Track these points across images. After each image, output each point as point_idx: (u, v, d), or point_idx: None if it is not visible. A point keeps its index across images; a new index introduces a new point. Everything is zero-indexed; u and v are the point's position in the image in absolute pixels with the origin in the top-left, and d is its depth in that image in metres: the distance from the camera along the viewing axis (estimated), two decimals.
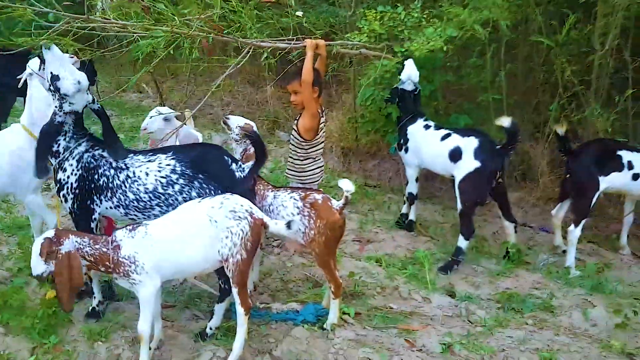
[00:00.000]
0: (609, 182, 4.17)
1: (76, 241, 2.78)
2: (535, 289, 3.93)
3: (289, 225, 2.94)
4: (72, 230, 3.11)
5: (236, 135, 3.88)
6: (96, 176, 3.21)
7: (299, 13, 4.87)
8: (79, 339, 3.21)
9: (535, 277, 4.09)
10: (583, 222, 4.18)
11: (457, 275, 4.12)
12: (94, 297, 3.41)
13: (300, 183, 4.08)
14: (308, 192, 3.32)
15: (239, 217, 2.88)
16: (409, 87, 4.59)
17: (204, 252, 2.88)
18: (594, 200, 4.18)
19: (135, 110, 8.82)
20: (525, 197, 5.35)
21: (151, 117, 4.11)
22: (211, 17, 3.99)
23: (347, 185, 3.17)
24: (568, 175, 4.33)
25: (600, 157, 4.19)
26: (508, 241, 4.37)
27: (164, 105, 6.32)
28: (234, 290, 2.95)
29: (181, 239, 2.86)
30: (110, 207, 3.25)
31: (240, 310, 2.96)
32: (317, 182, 4.16)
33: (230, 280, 2.95)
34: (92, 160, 3.23)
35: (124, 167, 3.22)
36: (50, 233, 2.76)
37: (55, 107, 3.13)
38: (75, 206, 3.21)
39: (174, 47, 3.82)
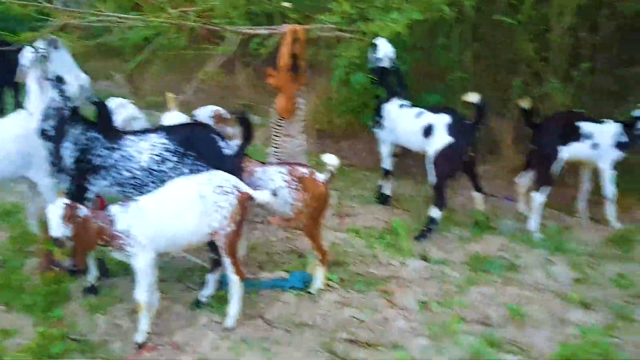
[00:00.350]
0: (570, 151, 4.51)
1: (85, 209, 2.97)
2: (502, 251, 4.26)
3: (274, 193, 3.18)
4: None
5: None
6: (91, 157, 3.39)
7: (286, 4, 5.07)
8: (79, 313, 3.40)
9: (502, 240, 4.42)
10: (546, 189, 4.52)
11: (431, 242, 4.42)
12: (90, 274, 3.59)
13: (279, 159, 4.33)
14: (295, 167, 3.56)
15: (226, 192, 3.10)
16: (386, 64, 4.80)
17: (194, 225, 3.09)
18: (556, 168, 4.51)
19: (104, 99, 8.84)
20: (491, 170, 5.68)
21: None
22: (199, 7, 4.19)
23: (331, 160, 3.43)
24: (533, 147, 4.64)
25: (562, 129, 4.52)
26: (476, 210, 4.69)
27: (135, 94, 6.50)
28: (227, 261, 3.18)
29: (172, 213, 3.06)
30: (107, 186, 3.43)
31: (234, 277, 3.20)
32: (292, 157, 4.40)
33: (222, 252, 3.18)
34: (87, 141, 3.40)
35: (117, 147, 3.41)
36: (64, 201, 2.93)
37: (54, 98, 3.29)
38: (71, 186, 3.38)
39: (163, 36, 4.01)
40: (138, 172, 3.38)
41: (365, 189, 5.54)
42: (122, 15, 4.19)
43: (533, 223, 4.55)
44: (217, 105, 4.42)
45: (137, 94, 7.71)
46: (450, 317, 3.40)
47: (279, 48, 4.39)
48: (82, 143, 3.39)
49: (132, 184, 3.41)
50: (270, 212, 3.70)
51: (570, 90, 5.21)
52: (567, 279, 3.91)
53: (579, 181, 5.05)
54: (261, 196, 3.20)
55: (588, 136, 4.54)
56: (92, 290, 3.56)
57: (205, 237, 3.16)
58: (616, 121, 4.66)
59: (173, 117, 4.29)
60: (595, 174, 4.83)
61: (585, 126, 4.56)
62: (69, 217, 2.85)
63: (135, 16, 4.23)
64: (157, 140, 3.42)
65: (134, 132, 3.57)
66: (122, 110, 4.23)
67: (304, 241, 4.32)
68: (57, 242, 2.85)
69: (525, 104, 4.52)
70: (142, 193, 3.40)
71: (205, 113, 4.06)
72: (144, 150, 3.39)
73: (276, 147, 4.43)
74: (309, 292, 3.60)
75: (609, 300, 3.64)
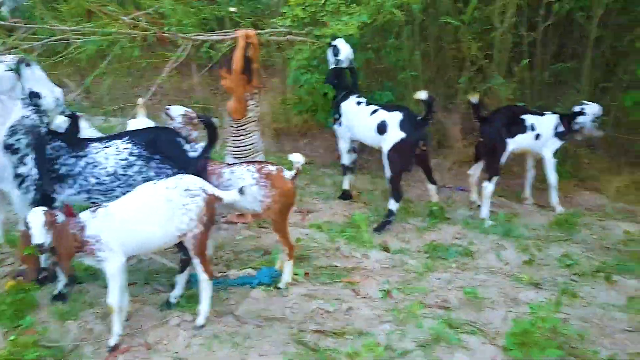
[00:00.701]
0: (515, 142, 4.81)
1: (62, 217, 3.02)
2: (457, 239, 4.51)
3: (241, 191, 3.29)
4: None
5: (178, 123, 4.16)
6: (57, 166, 3.41)
7: (233, 9, 5.18)
8: (49, 320, 3.40)
9: (456, 229, 4.67)
10: (495, 178, 4.80)
11: (390, 234, 4.63)
12: (59, 281, 3.60)
13: (235, 158, 4.47)
14: (263, 165, 3.70)
15: (194, 194, 3.19)
16: (346, 64, 4.98)
17: (162, 228, 3.16)
18: (504, 159, 4.80)
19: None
20: (442, 162, 5.96)
21: None
22: (151, 15, 4.26)
23: (297, 158, 3.59)
24: (481, 139, 4.92)
25: (507, 122, 4.81)
26: (431, 201, 4.93)
27: (87, 99, 6.45)
28: (196, 261, 3.27)
29: (141, 218, 3.12)
30: (73, 194, 3.46)
31: (203, 276, 3.28)
32: (251, 157, 4.55)
33: (191, 252, 3.26)
34: (52, 151, 3.42)
35: (82, 154, 3.45)
36: (42, 208, 2.97)
37: (26, 115, 3.31)
38: (38, 197, 3.40)
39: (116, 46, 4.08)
40: (105, 178, 3.43)
41: (324, 185, 5.70)
42: (75, 28, 4.21)
43: (484, 211, 4.83)
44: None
45: (89, 99, 7.61)
46: (411, 302, 3.58)
47: (233, 51, 4.52)
48: (47, 153, 3.41)
49: (99, 190, 3.46)
50: (239, 210, 3.80)
51: (512, 84, 5.53)
52: (517, 262, 4.19)
53: (524, 170, 5.38)
54: (229, 196, 3.30)
55: (531, 128, 4.85)
56: (60, 297, 3.57)
57: (174, 239, 3.23)
58: (554, 113, 4.99)
59: (139, 122, 4.33)
60: (539, 163, 5.16)
61: (528, 118, 4.88)
62: (50, 223, 2.89)
63: (89, 28, 4.26)
64: (122, 146, 3.47)
65: (99, 139, 3.61)
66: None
67: (269, 238, 4.48)
68: (40, 248, 2.89)
69: (473, 98, 4.79)
70: (109, 199, 3.45)
71: (177, 111, 4.12)
72: (109, 156, 3.44)
73: (232, 148, 4.57)
74: (277, 287, 3.72)
75: (556, 279, 3.93)
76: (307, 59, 5.39)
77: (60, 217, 3.00)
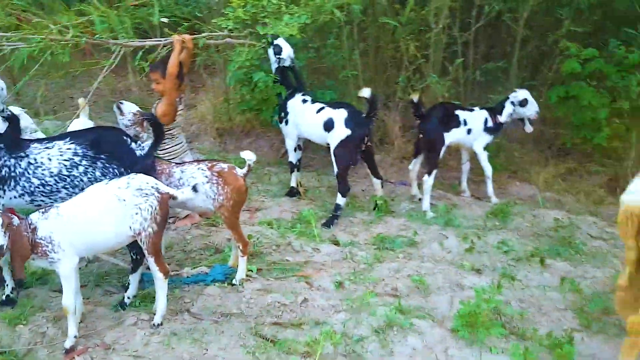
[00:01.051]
0: (451, 137, 5.07)
1: (17, 220, 2.94)
2: (402, 230, 4.70)
3: (194, 188, 3.32)
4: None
5: (128, 120, 4.11)
6: None
7: (164, 20, 5.17)
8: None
9: (401, 221, 4.87)
10: (434, 172, 5.04)
11: (338, 228, 4.77)
12: (7, 285, 3.49)
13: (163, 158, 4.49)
14: (214, 163, 3.72)
15: (146, 194, 3.18)
16: (288, 63, 5.06)
17: (115, 228, 3.14)
18: (442, 153, 5.05)
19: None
20: (385, 158, 6.16)
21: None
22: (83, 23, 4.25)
23: (248, 155, 3.65)
24: (421, 135, 5.15)
25: (443, 118, 5.07)
26: (376, 195, 5.12)
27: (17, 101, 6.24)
28: (150, 260, 3.26)
29: (92, 218, 3.09)
30: (15, 197, 3.37)
31: (159, 275, 3.28)
32: (178, 157, 4.57)
33: (145, 252, 3.26)
34: None
35: (23, 155, 3.36)
36: None
37: None
38: None
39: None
40: (49, 179, 3.36)
41: (270, 183, 5.77)
42: (6, 34, 4.16)
43: (425, 203, 5.06)
44: (107, 107, 4.47)
45: (19, 101, 7.31)
46: (363, 292, 3.74)
47: (168, 55, 4.54)
48: None
49: (42, 192, 3.38)
50: (191, 209, 3.81)
51: (447, 83, 5.81)
52: (459, 250, 4.42)
53: (459, 164, 5.67)
54: (182, 194, 3.32)
55: (464, 122, 5.14)
56: (9, 302, 3.46)
57: (128, 239, 3.22)
58: (482, 108, 5.32)
59: (80, 123, 4.24)
60: (474, 156, 5.45)
61: (461, 114, 5.16)
62: (7, 225, 2.82)
63: (19, 34, 4.20)
64: (65, 147, 3.41)
65: (39, 140, 3.53)
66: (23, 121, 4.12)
67: (219, 237, 4.51)
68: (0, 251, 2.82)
69: (414, 96, 5.01)
70: (54, 200, 3.39)
71: (130, 108, 4.05)
72: (52, 156, 3.37)
73: (161, 150, 4.54)
74: (232, 284, 3.77)
75: (495, 264, 4.19)
76: (250, 59, 5.42)
77: (15, 220, 2.92)
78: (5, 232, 2.82)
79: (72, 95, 8.23)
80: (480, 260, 4.27)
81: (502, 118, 5.15)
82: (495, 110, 5.25)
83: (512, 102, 5.17)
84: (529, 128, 5.32)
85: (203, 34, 5.26)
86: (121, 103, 4.10)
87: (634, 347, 2.75)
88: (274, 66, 5.13)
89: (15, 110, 4.28)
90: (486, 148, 5.30)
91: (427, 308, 3.60)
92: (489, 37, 6.42)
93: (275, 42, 5.04)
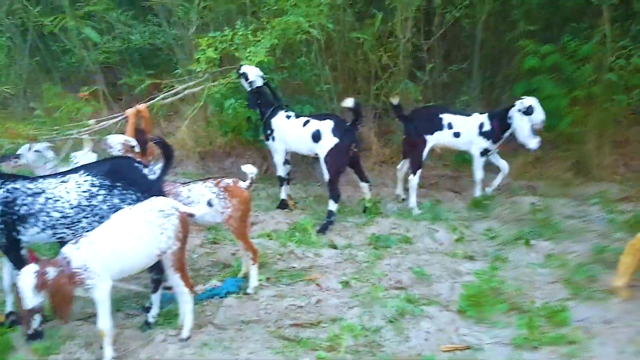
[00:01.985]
0: (435, 139, 5.37)
1: (52, 268, 3.05)
2: (394, 229, 5.01)
3: (209, 203, 3.55)
4: (39, 260, 3.33)
5: (118, 150, 4.27)
6: (16, 207, 3.45)
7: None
8: (34, 357, 3.42)
9: (391, 220, 5.18)
10: (419, 172, 5.36)
11: (333, 232, 5.03)
12: (34, 319, 3.59)
13: None
14: (219, 179, 3.96)
15: (168, 214, 3.39)
16: (260, 83, 5.29)
17: (144, 249, 3.33)
18: (425, 154, 5.37)
19: None
20: (364, 163, 6.43)
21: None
22: None
23: (250, 169, 3.91)
24: (404, 136, 5.46)
25: (427, 120, 5.36)
26: (364, 198, 5.41)
27: None
28: (176, 276, 3.46)
29: (122, 242, 3.26)
30: (38, 232, 3.50)
31: (184, 290, 3.48)
32: None
33: (171, 269, 3.45)
34: (8, 194, 3.46)
35: (40, 191, 3.51)
36: (33, 267, 3.00)
37: None
38: (3, 240, 3.42)
39: None
40: (69, 211, 3.51)
41: (260, 198, 5.98)
42: None
43: (412, 201, 5.38)
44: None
45: None
46: (370, 288, 4.01)
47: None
48: (2, 197, 3.44)
49: (64, 224, 3.52)
50: (201, 224, 4.01)
51: (419, 87, 6.19)
52: (450, 240, 4.76)
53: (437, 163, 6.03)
54: (199, 210, 3.54)
55: (449, 126, 5.34)
56: (37, 335, 3.57)
57: (155, 258, 3.40)
58: (481, 113, 5.38)
59: (86, 156, 4.40)
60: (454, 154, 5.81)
61: (447, 117, 5.37)
62: (41, 285, 2.95)
63: None
64: (80, 179, 3.57)
65: (52, 175, 3.68)
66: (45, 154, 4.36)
67: (225, 252, 4.71)
68: (33, 311, 2.98)
69: (394, 100, 5.32)
70: (75, 231, 3.53)
71: (116, 139, 4.22)
72: (70, 189, 3.53)
73: None
74: (246, 293, 3.98)
75: (485, 250, 4.55)
76: (218, 91, 5.67)
77: (51, 272, 3.02)
78: (39, 292, 2.95)
79: None
80: (471, 248, 4.62)
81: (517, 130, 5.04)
82: (496, 116, 5.24)
83: (519, 110, 5.07)
84: (534, 144, 5.13)
85: (157, 98, 5.51)
86: (107, 139, 4.26)
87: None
88: (248, 89, 5.34)
89: (41, 146, 4.42)
90: (484, 153, 5.34)
91: (432, 295, 3.90)
92: (451, 41, 6.84)
93: (241, 70, 5.27)
